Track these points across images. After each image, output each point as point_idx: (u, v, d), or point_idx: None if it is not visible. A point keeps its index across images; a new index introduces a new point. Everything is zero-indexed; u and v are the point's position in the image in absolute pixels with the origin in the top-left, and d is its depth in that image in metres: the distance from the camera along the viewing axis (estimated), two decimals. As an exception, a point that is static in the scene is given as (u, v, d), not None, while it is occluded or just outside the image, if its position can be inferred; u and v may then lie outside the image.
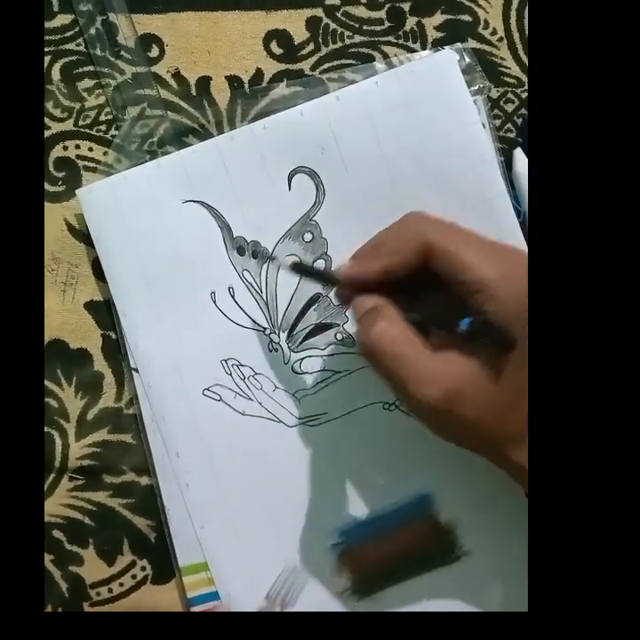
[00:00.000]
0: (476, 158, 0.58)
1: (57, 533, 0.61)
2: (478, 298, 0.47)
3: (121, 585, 0.61)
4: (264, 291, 0.59)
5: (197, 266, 0.59)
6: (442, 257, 0.48)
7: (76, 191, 0.59)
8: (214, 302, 0.59)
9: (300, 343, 0.60)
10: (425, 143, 0.58)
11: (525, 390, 0.46)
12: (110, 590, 0.61)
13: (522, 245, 0.58)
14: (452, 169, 0.58)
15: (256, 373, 0.60)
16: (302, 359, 0.59)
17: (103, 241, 0.59)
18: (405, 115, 0.58)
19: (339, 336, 0.60)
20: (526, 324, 0.45)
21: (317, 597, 0.60)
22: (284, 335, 0.60)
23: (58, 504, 0.60)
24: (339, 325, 0.59)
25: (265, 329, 0.60)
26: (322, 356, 0.59)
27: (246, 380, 0.59)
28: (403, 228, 0.51)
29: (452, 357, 0.48)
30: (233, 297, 0.59)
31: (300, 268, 0.55)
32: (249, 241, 0.59)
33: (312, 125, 0.58)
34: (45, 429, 0.60)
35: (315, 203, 0.59)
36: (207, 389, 0.60)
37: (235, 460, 0.60)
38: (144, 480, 0.61)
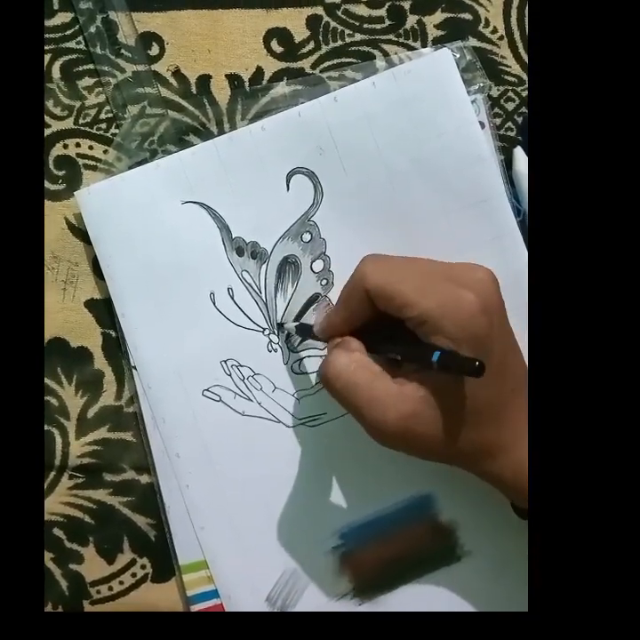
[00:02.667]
0: (473, 158, 0.58)
1: (57, 531, 0.61)
2: (423, 330, 0.48)
3: (121, 583, 0.61)
4: (263, 291, 0.59)
5: (196, 267, 0.59)
6: (382, 300, 0.49)
7: (75, 193, 0.59)
8: (213, 303, 0.59)
9: (299, 343, 0.60)
10: (423, 143, 0.58)
11: (489, 406, 0.49)
12: (110, 588, 0.61)
13: (519, 245, 0.58)
14: (449, 169, 0.58)
15: (255, 374, 0.59)
16: (301, 359, 0.59)
17: (102, 242, 0.59)
18: (403, 115, 0.58)
19: None
20: (476, 343, 0.47)
21: (318, 600, 0.60)
22: (283, 336, 0.59)
23: (58, 502, 0.61)
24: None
25: (264, 329, 0.59)
26: (321, 356, 0.59)
27: (246, 380, 0.59)
28: (351, 279, 0.51)
29: (408, 382, 0.48)
30: (232, 297, 0.59)
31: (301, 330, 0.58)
32: (248, 241, 0.59)
33: (310, 126, 0.58)
34: (46, 427, 0.60)
35: (313, 203, 0.59)
36: (207, 390, 0.59)
37: (235, 460, 0.60)
38: (144, 478, 0.61)
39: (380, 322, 0.50)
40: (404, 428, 0.48)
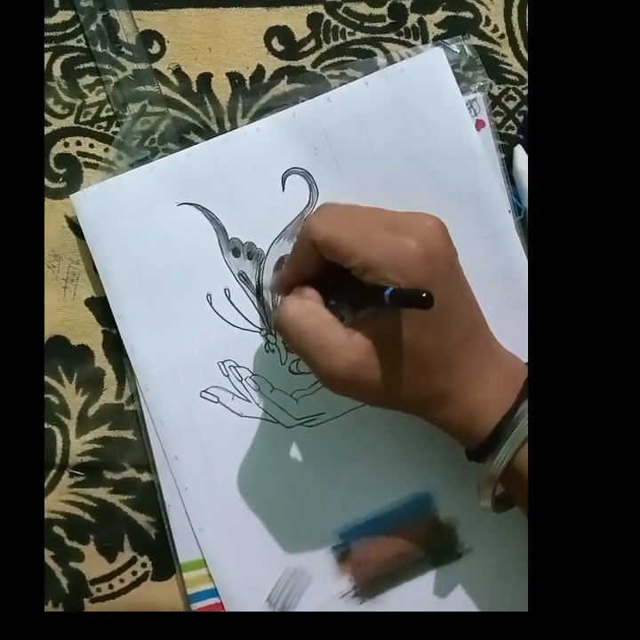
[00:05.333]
0: (466, 156, 0.58)
1: (57, 529, 0.61)
2: (368, 278, 0.48)
3: (121, 581, 0.61)
4: (260, 292, 0.59)
5: (193, 268, 0.59)
6: (328, 250, 0.50)
7: (71, 196, 0.59)
8: (210, 304, 0.59)
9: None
10: (416, 142, 0.58)
11: (435, 354, 0.49)
12: (111, 586, 0.61)
13: (515, 242, 0.59)
14: (443, 167, 0.58)
15: (253, 374, 0.59)
16: (299, 359, 0.59)
17: (98, 245, 0.59)
18: (396, 114, 0.58)
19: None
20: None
21: (319, 600, 0.60)
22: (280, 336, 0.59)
23: (58, 500, 0.61)
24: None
25: (261, 330, 0.59)
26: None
27: (243, 381, 0.59)
28: (301, 231, 0.53)
29: (356, 331, 0.49)
30: (229, 299, 0.59)
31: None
32: (244, 242, 0.59)
33: (304, 127, 0.58)
34: (46, 426, 0.60)
35: (308, 203, 0.59)
36: (205, 391, 0.59)
37: (233, 461, 0.60)
38: (145, 476, 0.61)
39: (332, 273, 0.51)
40: (352, 376, 0.49)
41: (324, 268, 0.51)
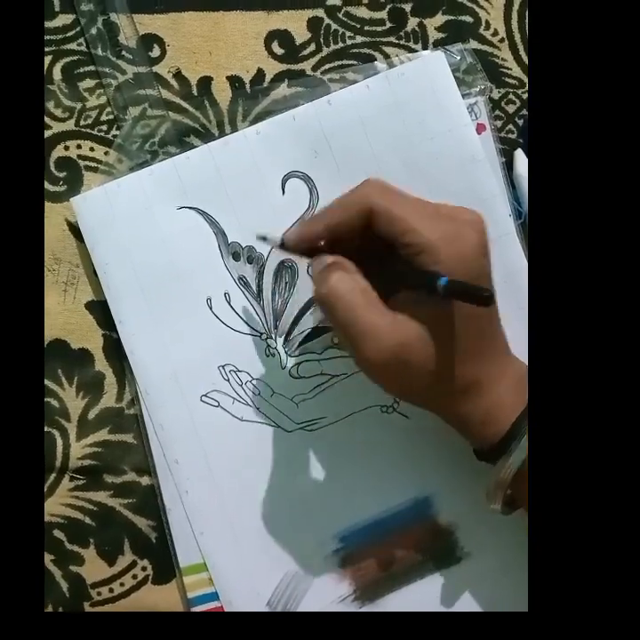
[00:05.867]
0: (467, 159, 0.58)
1: (58, 533, 0.61)
2: (421, 259, 0.47)
3: (122, 585, 0.61)
4: (260, 296, 0.59)
5: (193, 272, 0.59)
6: (385, 220, 0.48)
7: (71, 200, 0.59)
8: (210, 308, 0.59)
9: (297, 347, 0.60)
10: (416, 145, 0.58)
11: (474, 342, 0.48)
12: (111, 590, 0.61)
13: (516, 246, 0.59)
14: (443, 171, 0.58)
15: (253, 379, 0.59)
16: (299, 363, 0.59)
17: (98, 249, 0.59)
18: (396, 117, 0.58)
19: (335, 340, 0.59)
20: (472, 281, 0.46)
21: (319, 604, 0.60)
22: (280, 340, 0.59)
23: (59, 504, 0.61)
24: (335, 329, 0.59)
25: (261, 334, 0.59)
26: (319, 360, 0.59)
27: (244, 385, 0.59)
28: (351, 193, 0.51)
29: (401, 313, 0.48)
30: (229, 303, 0.59)
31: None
32: (244, 246, 0.59)
33: (305, 130, 0.59)
34: (46, 429, 0.60)
35: (308, 206, 0.59)
36: (205, 396, 0.59)
37: (234, 466, 0.60)
38: (145, 480, 0.61)
39: (362, 247, 0.50)
40: (397, 358, 0.47)
41: (357, 239, 0.50)
